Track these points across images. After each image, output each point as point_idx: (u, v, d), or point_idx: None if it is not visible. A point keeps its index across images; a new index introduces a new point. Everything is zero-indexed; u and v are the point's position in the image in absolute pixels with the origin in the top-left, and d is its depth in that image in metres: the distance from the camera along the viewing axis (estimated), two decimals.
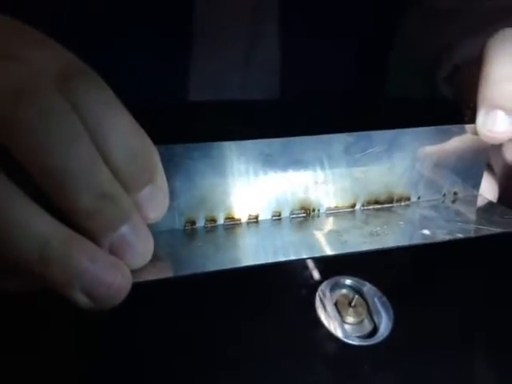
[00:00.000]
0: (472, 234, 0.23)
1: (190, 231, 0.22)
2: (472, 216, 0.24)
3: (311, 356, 0.24)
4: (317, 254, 0.21)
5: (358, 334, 0.25)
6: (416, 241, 0.22)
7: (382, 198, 0.24)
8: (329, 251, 0.22)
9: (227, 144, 0.21)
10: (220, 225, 0.22)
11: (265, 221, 0.23)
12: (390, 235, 0.22)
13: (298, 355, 0.24)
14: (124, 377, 0.22)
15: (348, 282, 0.27)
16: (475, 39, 0.44)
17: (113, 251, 0.18)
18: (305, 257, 0.21)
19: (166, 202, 0.19)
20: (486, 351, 0.26)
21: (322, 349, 0.25)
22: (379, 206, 0.24)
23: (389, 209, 0.24)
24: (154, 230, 0.20)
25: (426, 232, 0.23)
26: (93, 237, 0.17)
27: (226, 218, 0.22)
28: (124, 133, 0.17)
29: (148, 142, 0.19)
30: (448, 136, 0.24)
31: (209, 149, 0.21)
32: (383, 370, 0.24)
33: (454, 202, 0.26)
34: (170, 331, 0.24)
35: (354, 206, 0.24)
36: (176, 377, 0.23)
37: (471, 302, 0.28)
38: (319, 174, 0.23)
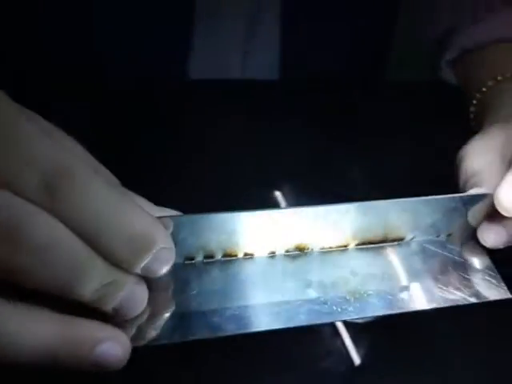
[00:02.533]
0: (453, 304, 0.23)
1: (189, 265, 0.23)
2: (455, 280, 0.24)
3: None
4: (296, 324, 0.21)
5: None
6: (395, 310, 0.22)
7: (377, 239, 0.25)
8: (305, 321, 0.21)
9: (235, 215, 0.21)
10: (217, 260, 0.23)
11: (260, 257, 0.24)
12: (371, 297, 0.22)
13: None
14: None
15: None
16: (488, 23, 0.43)
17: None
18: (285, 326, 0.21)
19: (172, 258, 0.19)
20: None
21: None
22: (371, 246, 0.25)
23: (380, 248, 0.25)
24: None
25: (405, 297, 0.23)
26: (96, 308, 0.19)
27: (224, 255, 0.23)
28: (112, 225, 0.17)
29: (142, 216, 0.18)
30: (467, 205, 0.24)
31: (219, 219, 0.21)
32: None
33: (446, 240, 0.26)
34: None
35: (346, 246, 0.24)
36: None
37: None
38: (321, 225, 0.23)
